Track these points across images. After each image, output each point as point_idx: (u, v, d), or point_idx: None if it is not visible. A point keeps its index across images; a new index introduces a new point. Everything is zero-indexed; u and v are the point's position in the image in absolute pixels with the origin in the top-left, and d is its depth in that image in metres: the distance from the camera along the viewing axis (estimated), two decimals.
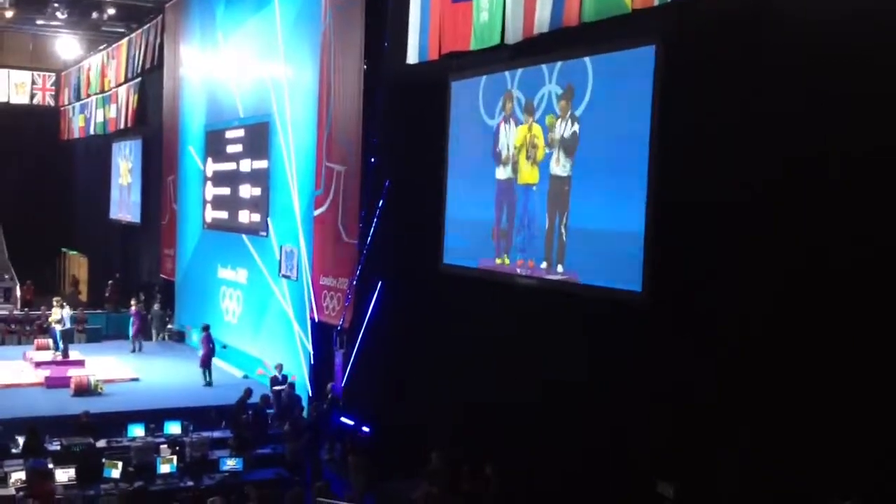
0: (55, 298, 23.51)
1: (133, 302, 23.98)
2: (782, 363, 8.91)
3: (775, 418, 8.96)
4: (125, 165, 32.13)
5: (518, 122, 12.91)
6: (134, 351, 22.93)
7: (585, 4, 10.89)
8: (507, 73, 13.12)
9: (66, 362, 20.27)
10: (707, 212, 9.79)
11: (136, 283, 28.44)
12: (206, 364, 19.57)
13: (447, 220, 14.34)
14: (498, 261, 13.18)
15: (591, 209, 11.54)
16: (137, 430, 14.87)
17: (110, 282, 29.90)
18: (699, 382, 9.80)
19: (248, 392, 16.38)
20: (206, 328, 20.00)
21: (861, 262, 8.23)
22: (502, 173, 13.24)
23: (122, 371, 20.29)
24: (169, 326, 25.25)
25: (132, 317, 23.63)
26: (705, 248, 9.81)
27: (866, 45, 8.17)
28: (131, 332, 23.40)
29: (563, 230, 11.99)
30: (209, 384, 19.23)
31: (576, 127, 11.83)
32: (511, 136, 13.07)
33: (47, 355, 20.84)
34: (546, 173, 12.29)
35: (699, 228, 9.89)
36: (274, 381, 17.17)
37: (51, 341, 21.32)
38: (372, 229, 16.08)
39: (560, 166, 12.12)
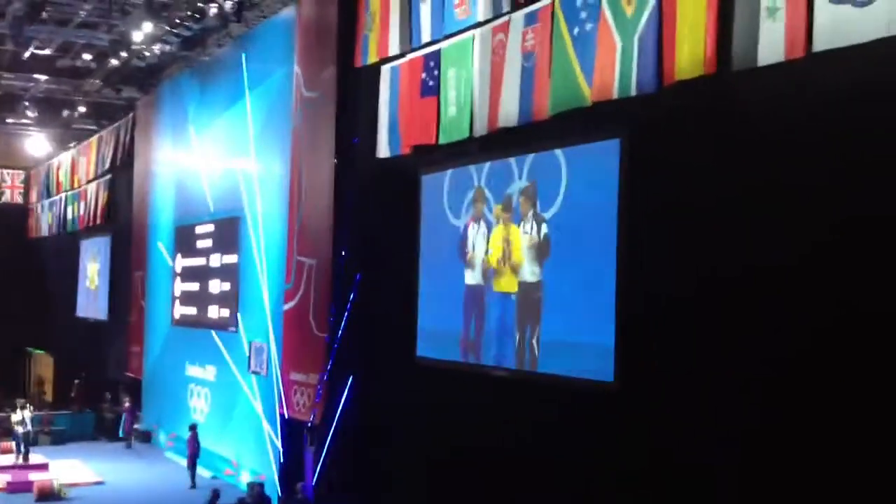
0: (17, 400, 23.00)
1: (127, 399, 24.34)
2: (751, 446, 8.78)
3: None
4: (93, 267, 31.84)
5: (489, 224, 12.83)
6: (129, 447, 23.31)
7: (554, 98, 11.01)
8: (472, 169, 13.13)
9: (27, 466, 19.69)
10: (678, 306, 9.75)
11: (103, 383, 27.87)
12: (192, 465, 19.11)
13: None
14: None
15: (564, 319, 11.35)
16: None
17: (76, 381, 29.27)
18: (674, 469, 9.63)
19: (216, 493, 15.92)
20: (193, 427, 19.68)
21: (833, 357, 8.18)
22: (472, 278, 13.09)
23: (86, 474, 19.72)
24: (135, 426, 24.64)
25: (125, 413, 24.08)
26: (677, 342, 9.73)
27: (829, 133, 8.27)
28: (123, 429, 23.85)
29: (534, 343, 11.79)
30: (193, 486, 18.72)
31: (544, 228, 11.75)
32: (481, 238, 12.96)
33: (9, 459, 20.25)
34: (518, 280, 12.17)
35: (670, 323, 9.84)
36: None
37: (13, 444, 20.74)
38: (343, 323, 15.90)
39: (529, 272, 11.98)
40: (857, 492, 7.97)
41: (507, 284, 12.37)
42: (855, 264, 8.06)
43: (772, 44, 8.30)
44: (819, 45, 7.85)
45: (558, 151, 11.60)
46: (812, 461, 8.29)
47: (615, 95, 10.05)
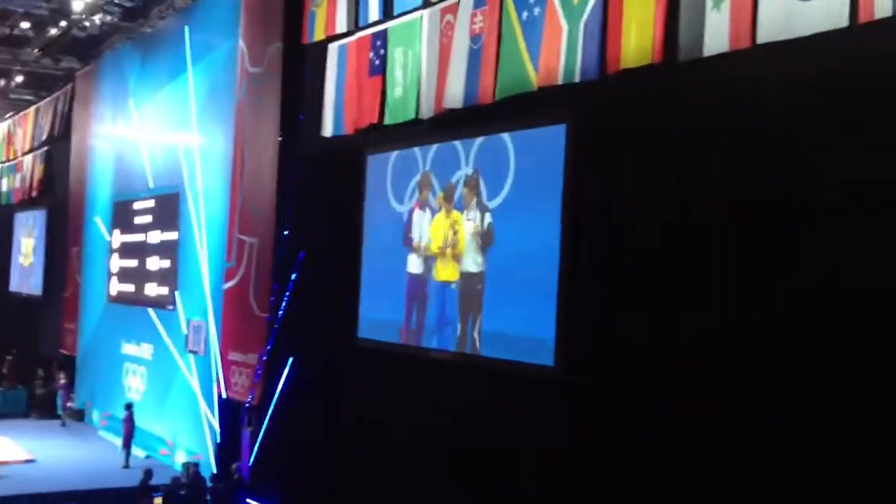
0: None
1: (62, 376, 23.93)
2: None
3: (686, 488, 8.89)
4: (28, 243, 31.13)
5: (434, 210, 12.72)
6: (63, 425, 22.94)
7: (502, 82, 10.97)
8: (418, 152, 13.02)
9: None
10: (620, 297, 9.79)
11: (36, 359, 27.34)
12: (127, 444, 18.87)
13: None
14: None
15: (505, 311, 11.22)
16: None
17: (8, 357, 28.65)
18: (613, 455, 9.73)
19: (149, 473, 15.74)
20: (129, 407, 19.39)
21: (771, 342, 8.31)
22: (415, 266, 12.98)
23: (17, 452, 19.33)
24: (68, 404, 24.25)
25: (60, 390, 23.66)
26: (619, 333, 9.78)
27: (772, 124, 8.35)
28: (60, 406, 23.48)
29: (476, 335, 11.70)
30: (127, 466, 18.44)
31: (488, 217, 11.62)
32: (425, 225, 12.83)
33: None
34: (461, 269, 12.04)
35: (612, 315, 9.88)
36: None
37: None
38: (284, 303, 15.75)
39: (472, 261, 11.88)
40: (794, 476, 8.13)
41: (449, 273, 12.26)
42: (798, 247, 8.14)
43: (717, 34, 8.36)
44: (763, 36, 7.93)
45: (506, 136, 11.50)
46: (751, 444, 8.39)
47: (560, 81, 10.07)
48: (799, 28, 7.65)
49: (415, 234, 12.99)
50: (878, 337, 7.51)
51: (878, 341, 7.51)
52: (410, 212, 13.13)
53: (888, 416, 7.42)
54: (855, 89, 7.65)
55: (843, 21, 7.37)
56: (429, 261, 12.67)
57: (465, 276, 11.93)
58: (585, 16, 9.78)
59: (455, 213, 12.22)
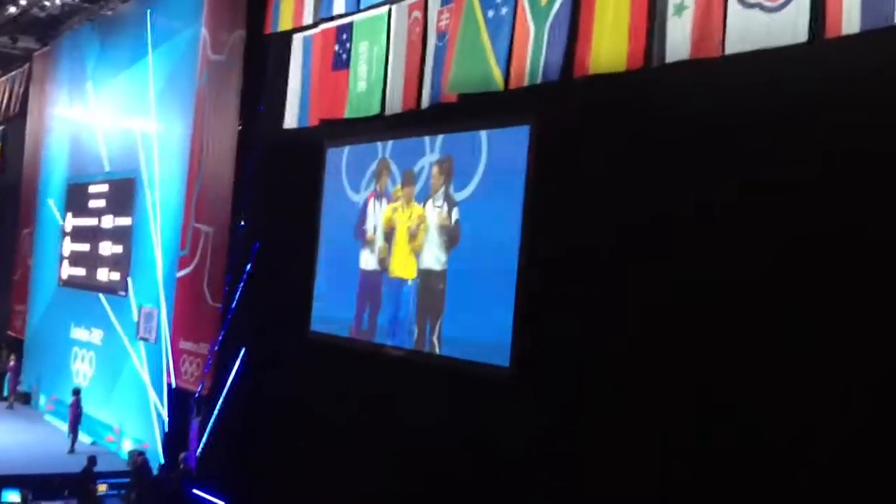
0: None
1: (12, 357, 23.61)
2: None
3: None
4: None
5: (392, 200, 12.57)
6: (10, 407, 22.64)
7: (459, 78, 10.93)
8: (378, 144, 12.91)
9: None
10: (579, 306, 9.81)
11: None
12: (73, 429, 18.63)
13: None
14: None
15: (468, 314, 10.86)
16: None
17: None
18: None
19: (92, 460, 15.56)
20: (77, 392, 19.13)
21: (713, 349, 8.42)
22: (369, 262, 12.79)
23: None
24: (17, 387, 23.91)
25: (9, 372, 23.34)
26: (577, 339, 9.81)
27: (738, 129, 8.43)
28: (7, 388, 23.17)
29: (435, 340, 11.41)
30: (72, 451, 18.20)
31: (455, 212, 11.35)
32: (381, 216, 12.59)
33: None
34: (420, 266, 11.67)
35: (570, 322, 9.91)
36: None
37: None
38: (238, 293, 15.63)
39: (434, 258, 11.58)
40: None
41: (405, 270, 11.99)
42: (749, 255, 8.23)
43: (679, 42, 8.41)
44: (730, 47, 7.99)
45: (483, 133, 11.17)
46: (709, 442, 8.49)
47: (526, 82, 10.07)
48: (762, 40, 7.72)
49: (368, 226, 12.77)
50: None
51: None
52: (366, 202, 12.97)
53: None
54: (821, 101, 7.70)
55: (806, 36, 7.45)
56: (384, 256, 12.50)
57: (425, 274, 11.68)
58: (550, 18, 9.78)
59: (415, 205, 12.07)
